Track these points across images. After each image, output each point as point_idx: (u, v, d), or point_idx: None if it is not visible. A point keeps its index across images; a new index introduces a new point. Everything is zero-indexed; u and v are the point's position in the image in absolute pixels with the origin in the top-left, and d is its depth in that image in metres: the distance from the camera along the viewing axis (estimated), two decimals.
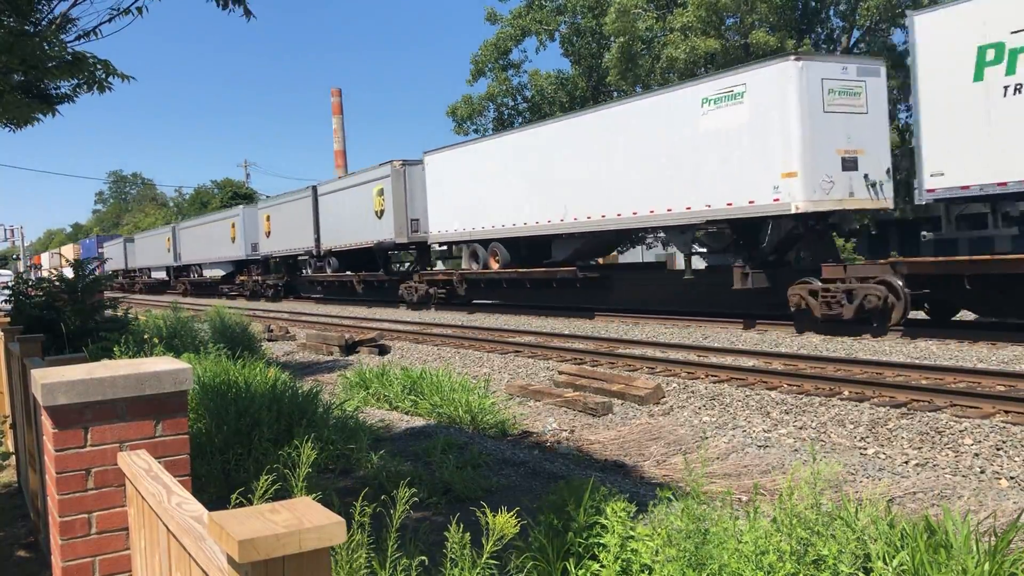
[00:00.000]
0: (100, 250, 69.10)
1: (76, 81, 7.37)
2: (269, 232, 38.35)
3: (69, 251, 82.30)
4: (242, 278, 42.86)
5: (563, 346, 15.59)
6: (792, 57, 15.29)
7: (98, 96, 7.48)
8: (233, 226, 42.13)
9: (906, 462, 7.79)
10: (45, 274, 12.94)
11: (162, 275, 57.34)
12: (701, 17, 27.78)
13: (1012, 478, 7.08)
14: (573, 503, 4.00)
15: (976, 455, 7.62)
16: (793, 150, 14.85)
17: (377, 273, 30.50)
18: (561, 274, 21.58)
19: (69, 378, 2.60)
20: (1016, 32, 11.95)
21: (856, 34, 30.92)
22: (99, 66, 7.08)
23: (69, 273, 12.19)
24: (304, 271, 37.23)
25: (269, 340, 21.34)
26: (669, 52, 28.24)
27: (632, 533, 3.48)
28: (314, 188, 33.86)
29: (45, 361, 4.47)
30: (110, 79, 7.29)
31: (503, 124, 36.92)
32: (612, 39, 30.29)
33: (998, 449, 7.62)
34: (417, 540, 4.12)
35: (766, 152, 15.32)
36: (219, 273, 46.94)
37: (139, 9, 6.84)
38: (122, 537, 2.70)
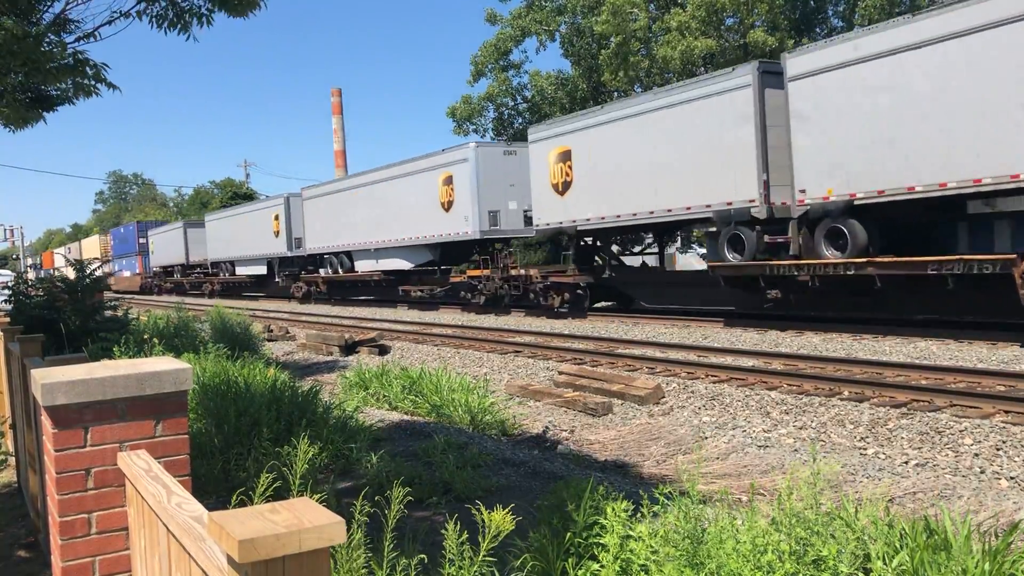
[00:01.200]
0: (142, 240, 57.07)
1: (71, 81, 7.40)
2: (566, 183, 20.40)
3: (94, 245, 71.83)
4: (475, 273, 24.51)
5: (563, 346, 15.59)
6: None
7: (99, 96, 7.52)
8: (449, 181, 24.50)
9: (906, 462, 7.79)
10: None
11: (258, 270, 38.85)
12: (700, 17, 27.79)
13: (1012, 478, 7.08)
14: (573, 503, 4.00)
15: (976, 455, 7.62)
16: None
17: None
18: None
19: (69, 378, 2.60)
20: None
21: None
22: (93, 67, 7.10)
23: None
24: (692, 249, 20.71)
25: (269, 340, 21.34)
26: (664, 52, 28.25)
27: (631, 533, 3.48)
28: (761, 66, 15.71)
29: (45, 361, 4.47)
30: (98, 85, 7.31)
31: (503, 125, 36.90)
32: (611, 39, 30.28)
33: (998, 449, 7.62)
34: (417, 539, 4.12)
35: None
36: (401, 265, 27.78)
37: (139, 13, 6.87)
38: (122, 537, 2.70)
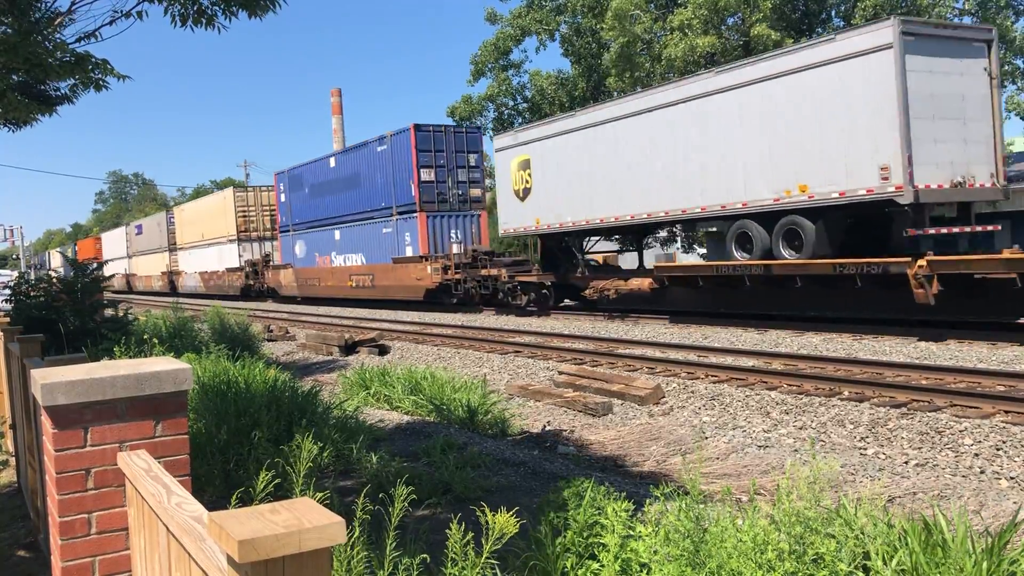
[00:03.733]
0: (444, 169, 26.15)
1: (74, 80, 7.41)
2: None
3: (217, 210, 39.49)
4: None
5: (563, 346, 15.58)
6: None
7: (98, 96, 7.55)
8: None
9: (906, 462, 7.79)
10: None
11: None
12: (702, 16, 27.80)
13: (1012, 478, 7.08)
14: (573, 503, 4.00)
15: (976, 455, 7.62)
16: None
17: None
18: None
19: (69, 378, 2.60)
20: None
21: None
22: (97, 66, 7.12)
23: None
24: None
25: (269, 340, 21.33)
26: (669, 52, 28.26)
27: (631, 532, 3.48)
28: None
29: (45, 361, 4.47)
30: (107, 78, 7.34)
31: (503, 124, 36.89)
32: (612, 40, 30.30)
33: (998, 449, 7.62)
34: (418, 540, 4.12)
35: None
36: None
37: (139, 13, 6.88)
38: (122, 537, 2.70)
